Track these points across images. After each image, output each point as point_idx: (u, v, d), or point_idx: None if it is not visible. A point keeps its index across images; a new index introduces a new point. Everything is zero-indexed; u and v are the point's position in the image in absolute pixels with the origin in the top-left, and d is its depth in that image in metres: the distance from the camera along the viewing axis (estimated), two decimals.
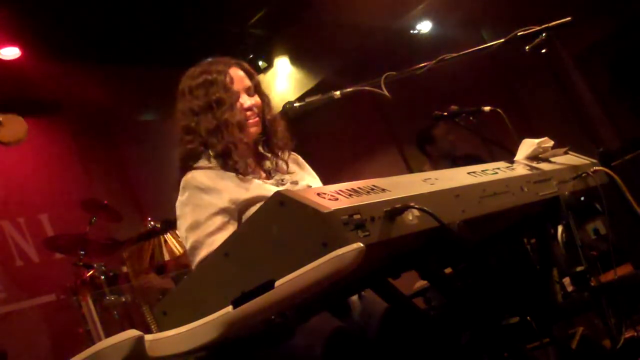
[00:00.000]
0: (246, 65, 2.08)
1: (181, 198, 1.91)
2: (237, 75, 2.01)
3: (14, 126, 1.98)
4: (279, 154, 2.07)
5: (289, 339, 1.30)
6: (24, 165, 5.43)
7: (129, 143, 6.46)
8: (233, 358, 1.27)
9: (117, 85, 6.00)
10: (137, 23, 5.79)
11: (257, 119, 2.02)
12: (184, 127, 2.00)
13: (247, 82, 2.03)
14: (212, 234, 1.82)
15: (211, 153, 1.96)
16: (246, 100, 2.00)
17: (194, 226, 1.84)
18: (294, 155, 2.16)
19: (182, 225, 1.89)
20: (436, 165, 4.52)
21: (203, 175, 1.90)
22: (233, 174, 1.92)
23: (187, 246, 1.86)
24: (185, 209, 1.88)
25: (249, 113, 1.99)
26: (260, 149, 2.08)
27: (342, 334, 1.63)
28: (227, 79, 1.98)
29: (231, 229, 1.83)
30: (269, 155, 2.07)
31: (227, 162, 1.94)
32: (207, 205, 1.84)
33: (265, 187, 1.92)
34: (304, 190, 1.13)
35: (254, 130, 2.01)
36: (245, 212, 1.85)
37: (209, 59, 2.07)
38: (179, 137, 2.01)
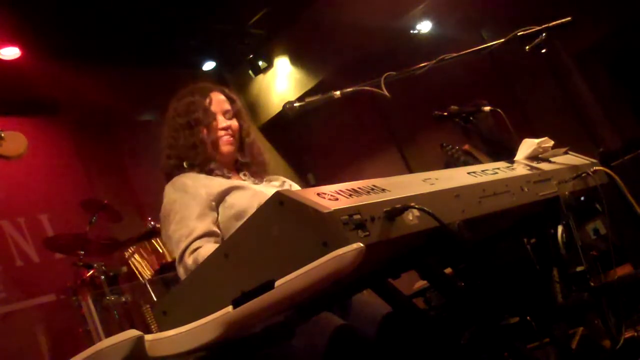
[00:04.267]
0: (229, 92, 2.28)
1: (164, 202, 2.05)
2: (217, 98, 2.21)
3: (16, 141, 2.10)
4: (257, 175, 2.23)
5: (289, 339, 1.30)
6: (24, 165, 5.42)
7: (129, 143, 6.46)
8: (233, 358, 1.27)
9: (117, 85, 6.01)
10: (137, 23, 5.79)
11: (231, 139, 2.18)
12: (167, 143, 2.19)
13: (226, 106, 2.21)
14: (191, 225, 1.93)
15: (185, 165, 2.12)
16: (221, 122, 2.17)
17: (176, 221, 1.97)
18: (277, 176, 2.31)
19: (165, 224, 2.02)
20: (477, 145, 4.45)
21: (183, 177, 2.07)
22: (211, 176, 2.11)
23: (172, 241, 1.97)
24: (168, 209, 2.02)
25: (222, 132, 2.17)
26: (239, 169, 2.24)
27: (345, 332, 1.63)
28: (207, 101, 2.17)
29: (209, 218, 1.95)
30: (246, 172, 2.23)
31: (201, 171, 2.11)
32: (187, 200, 1.98)
33: (240, 181, 2.10)
34: (303, 190, 1.13)
35: (227, 149, 2.17)
36: (223, 202, 1.98)
37: (195, 84, 2.26)
38: (163, 153, 2.19)
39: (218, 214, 1.98)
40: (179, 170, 2.12)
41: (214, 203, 1.97)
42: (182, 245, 1.92)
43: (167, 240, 2.02)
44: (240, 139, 2.23)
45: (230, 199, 1.97)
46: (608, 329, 1.85)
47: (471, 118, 3.00)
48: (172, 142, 2.16)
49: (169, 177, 2.12)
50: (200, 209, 1.95)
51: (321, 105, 2.24)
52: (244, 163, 2.23)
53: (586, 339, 2.32)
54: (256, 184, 2.15)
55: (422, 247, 1.35)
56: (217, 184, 2.02)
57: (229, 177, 2.14)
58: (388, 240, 1.12)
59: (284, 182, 2.21)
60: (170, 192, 2.04)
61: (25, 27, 5.06)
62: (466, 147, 4.45)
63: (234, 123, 2.21)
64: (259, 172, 2.24)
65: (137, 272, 4.53)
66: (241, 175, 2.21)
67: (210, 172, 2.11)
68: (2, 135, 2.06)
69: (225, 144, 2.16)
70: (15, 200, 5.36)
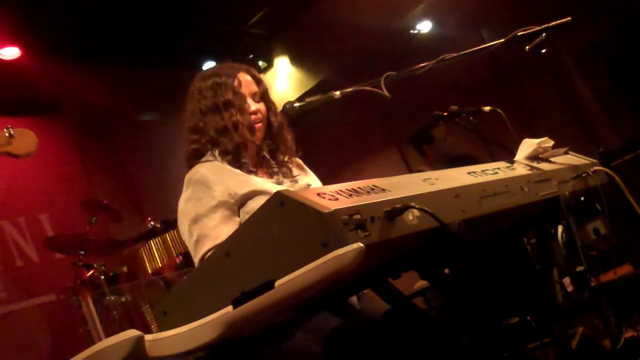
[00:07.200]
0: (255, 72, 2.13)
1: (184, 194, 1.93)
2: (245, 79, 2.06)
3: (26, 139, 2.05)
4: (284, 160, 2.09)
5: (288, 339, 1.30)
6: (24, 165, 5.42)
7: (129, 143, 6.46)
8: (233, 358, 1.27)
9: (117, 86, 6.01)
10: (137, 23, 5.79)
11: (260, 124, 2.05)
12: (191, 127, 2.04)
13: (254, 88, 2.07)
14: (215, 227, 1.83)
15: (216, 152, 1.98)
16: (251, 105, 2.04)
17: (196, 219, 1.86)
18: (297, 160, 2.18)
19: (185, 219, 1.89)
20: (432, 166, 4.50)
21: (205, 169, 1.93)
22: (235, 170, 1.95)
23: (192, 240, 1.86)
24: (188, 204, 1.90)
25: (253, 117, 2.03)
26: (265, 154, 2.09)
27: (342, 333, 1.63)
28: (236, 82, 2.02)
29: (233, 222, 1.85)
30: (273, 161, 2.09)
31: (233, 160, 1.97)
32: (209, 199, 1.86)
33: (264, 183, 1.94)
34: (304, 190, 1.13)
35: (259, 134, 2.05)
36: (244, 206, 1.87)
37: (220, 64, 2.12)
38: (185, 136, 2.05)
39: (238, 216, 1.87)
40: (201, 156, 1.99)
41: (236, 207, 1.86)
42: (204, 248, 1.81)
43: (188, 236, 1.88)
44: (268, 124, 2.10)
45: (252, 204, 1.85)
46: (608, 329, 1.85)
47: (471, 118, 3.00)
48: (200, 125, 2.01)
49: (190, 164, 1.98)
50: (224, 211, 1.84)
51: (321, 105, 2.23)
52: (272, 152, 2.09)
53: (586, 339, 2.32)
54: (281, 183, 2.00)
55: (422, 247, 1.35)
56: (241, 183, 1.89)
57: (254, 172, 1.99)
58: (388, 240, 1.12)
59: (308, 185, 2.03)
60: (190, 183, 1.91)
61: (25, 27, 5.06)
62: (421, 167, 4.52)
63: (262, 107, 2.07)
64: (286, 163, 2.08)
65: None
66: (265, 169, 2.06)
67: (241, 164, 1.96)
68: (12, 132, 2.01)
69: (257, 130, 2.03)
70: (15, 200, 5.36)
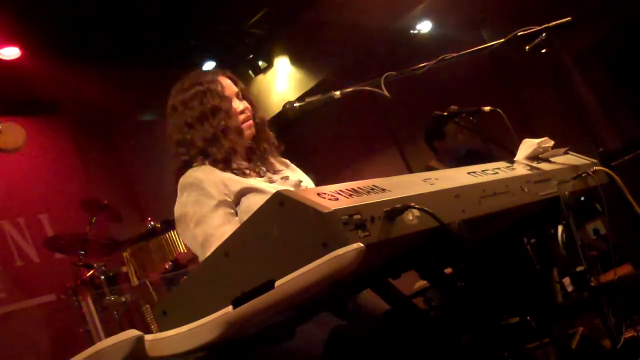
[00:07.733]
0: (230, 73, 2.13)
1: (180, 199, 1.92)
2: (226, 82, 2.06)
3: (13, 134, 2.00)
4: (268, 158, 2.10)
5: (289, 339, 1.30)
6: (24, 165, 5.43)
7: (129, 143, 6.47)
8: (233, 358, 1.27)
9: (117, 85, 6.01)
10: (137, 23, 5.79)
11: (250, 122, 2.06)
12: (177, 141, 2.02)
13: (235, 88, 2.08)
14: (220, 225, 1.82)
15: (206, 162, 1.97)
16: (238, 105, 2.05)
17: (199, 221, 1.84)
18: (281, 158, 2.19)
19: (186, 223, 1.88)
20: (443, 162, 4.49)
21: (198, 172, 1.92)
22: (227, 173, 1.95)
23: (197, 242, 1.85)
24: (186, 208, 1.89)
25: (242, 116, 2.04)
26: (253, 151, 2.10)
27: (342, 333, 1.63)
28: (219, 87, 2.02)
29: (235, 221, 1.84)
30: (258, 160, 2.09)
31: (225, 168, 1.96)
32: (208, 199, 1.85)
33: (256, 181, 1.95)
34: (304, 190, 1.13)
35: (249, 132, 2.06)
36: (239, 205, 1.86)
37: (193, 73, 2.12)
38: (172, 151, 2.03)
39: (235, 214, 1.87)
40: (191, 166, 1.97)
41: (234, 205, 1.86)
42: (213, 247, 1.74)
43: (192, 239, 1.87)
44: (254, 119, 2.09)
45: (246, 201, 1.84)
46: (608, 329, 1.85)
47: (471, 118, 3.01)
48: (188, 137, 1.98)
49: (179, 173, 1.96)
50: (225, 209, 1.84)
51: (321, 105, 2.23)
52: (257, 149, 2.09)
53: (586, 339, 2.33)
54: (272, 181, 2.00)
55: (422, 247, 1.35)
56: (233, 181, 1.88)
57: (245, 173, 1.99)
58: (388, 240, 1.12)
59: (300, 182, 2.05)
60: (185, 188, 1.89)
61: (25, 27, 5.06)
62: (432, 163, 4.52)
63: (247, 105, 2.07)
64: (272, 162, 2.09)
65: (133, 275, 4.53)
66: (254, 165, 2.06)
67: (232, 171, 1.95)
68: (0, 127, 1.97)
69: (247, 129, 2.04)
70: (15, 200, 5.36)
